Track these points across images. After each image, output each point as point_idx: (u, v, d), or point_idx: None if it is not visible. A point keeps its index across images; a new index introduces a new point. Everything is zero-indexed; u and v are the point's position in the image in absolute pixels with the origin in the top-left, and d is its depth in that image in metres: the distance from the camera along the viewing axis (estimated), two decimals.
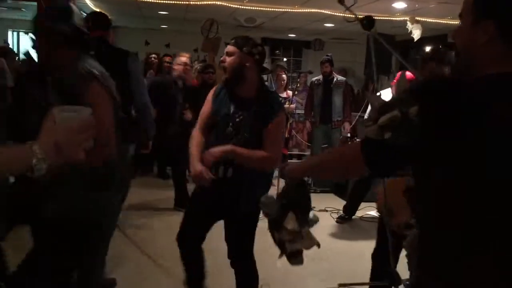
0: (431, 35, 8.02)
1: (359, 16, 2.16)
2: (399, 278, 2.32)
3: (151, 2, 6.79)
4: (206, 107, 2.58)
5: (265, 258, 4.12)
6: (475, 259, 1.12)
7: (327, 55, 6.63)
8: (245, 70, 2.38)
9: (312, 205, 5.35)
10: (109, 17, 3.24)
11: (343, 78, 6.64)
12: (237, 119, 2.43)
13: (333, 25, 8.23)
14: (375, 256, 2.82)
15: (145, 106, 3.29)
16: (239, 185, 2.44)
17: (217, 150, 2.32)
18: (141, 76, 3.19)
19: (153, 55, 7.04)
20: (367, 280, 2.92)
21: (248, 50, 2.37)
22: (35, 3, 4.64)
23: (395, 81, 3.80)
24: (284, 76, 6.84)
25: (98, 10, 7.86)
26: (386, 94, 3.75)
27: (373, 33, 2.16)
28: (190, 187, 5.66)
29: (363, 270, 3.04)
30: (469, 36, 1.14)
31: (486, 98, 1.07)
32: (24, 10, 7.90)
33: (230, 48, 2.42)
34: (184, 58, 5.06)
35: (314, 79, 6.83)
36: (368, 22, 2.17)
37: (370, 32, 2.19)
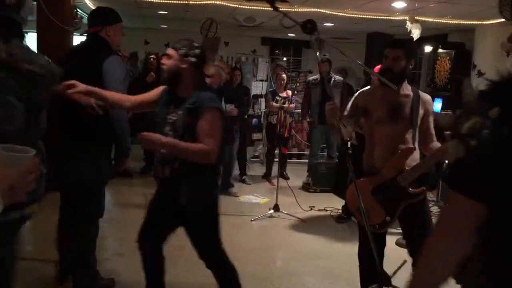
0: (431, 34, 8.01)
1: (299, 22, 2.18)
2: (388, 279, 2.32)
3: (151, 1, 6.78)
4: (155, 92, 2.68)
5: (265, 257, 4.14)
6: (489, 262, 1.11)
7: (324, 55, 6.64)
8: (181, 72, 2.48)
9: (312, 204, 5.35)
10: (111, 13, 2.98)
11: (341, 78, 6.66)
12: (173, 118, 2.51)
13: (332, 24, 8.23)
14: (360, 256, 2.82)
15: (114, 114, 2.79)
16: (178, 185, 2.48)
17: (157, 138, 2.35)
18: (117, 80, 2.81)
19: (152, 56, 6.97)
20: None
21: (184, 53, 2.48)
22: (35, 3, 4.63)
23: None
24: (284, 75, 6.84)
25: None
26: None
27: (316, 36, 2.21)
28: None
29: None
30: None
31: None
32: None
33: (169, 50, 2.53)
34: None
35: (311, 78, 6.83)
36: (310, 26, 2.22)
37: (312, 36, 2.22)
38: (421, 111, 2.64)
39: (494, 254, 1.13)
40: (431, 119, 2.68)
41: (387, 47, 2.66)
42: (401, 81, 2.64)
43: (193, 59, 2.49)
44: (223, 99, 5.71)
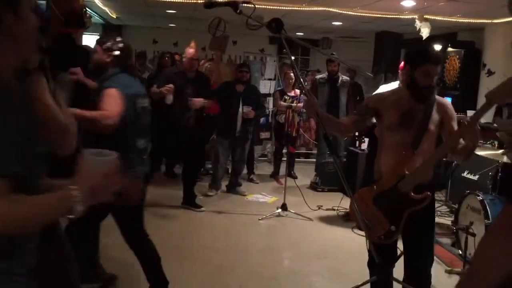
0: (440, 33, 7.96)
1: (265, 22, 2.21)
2: (387, 270, 2.28)
3: (160, 1, 6.80)
4: None
5: (272, 256, 4.13)
6: None
7: (332, 54, 6.63)
8: (105, 64, 2.70)
9: (320, 204, 5.34)
10: (81, 16, 3.28)
11: (348, 78, 6.65)
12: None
13: (340, 23, 8.20)
14: (370, 265, 2.73)
15: None
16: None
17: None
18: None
19: (167, 54, 6.98)
20: None
21: (107, 47, 2.70)
22: (44, 2, 4.66)
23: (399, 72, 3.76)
24: (292, 74, 6.82)
25: (106, 9, 7.89)
26: (391, 87, 3.71)
27: (283, 35, 2.22)
28: (202, 183, 5.70)
29: None
30: None
31: None
32: None
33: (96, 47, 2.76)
34: (191, 50, 5.13)
35: (318, 77, 6.82)
36: (276, 26, 2.23)
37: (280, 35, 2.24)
38: (437, 116, 2.50)
39: None
40: (454, 124, 2.52)
41: (428, 63, 2.41)
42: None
43: (116, 52, 2.70)
44: (240, 100, 5.68)
